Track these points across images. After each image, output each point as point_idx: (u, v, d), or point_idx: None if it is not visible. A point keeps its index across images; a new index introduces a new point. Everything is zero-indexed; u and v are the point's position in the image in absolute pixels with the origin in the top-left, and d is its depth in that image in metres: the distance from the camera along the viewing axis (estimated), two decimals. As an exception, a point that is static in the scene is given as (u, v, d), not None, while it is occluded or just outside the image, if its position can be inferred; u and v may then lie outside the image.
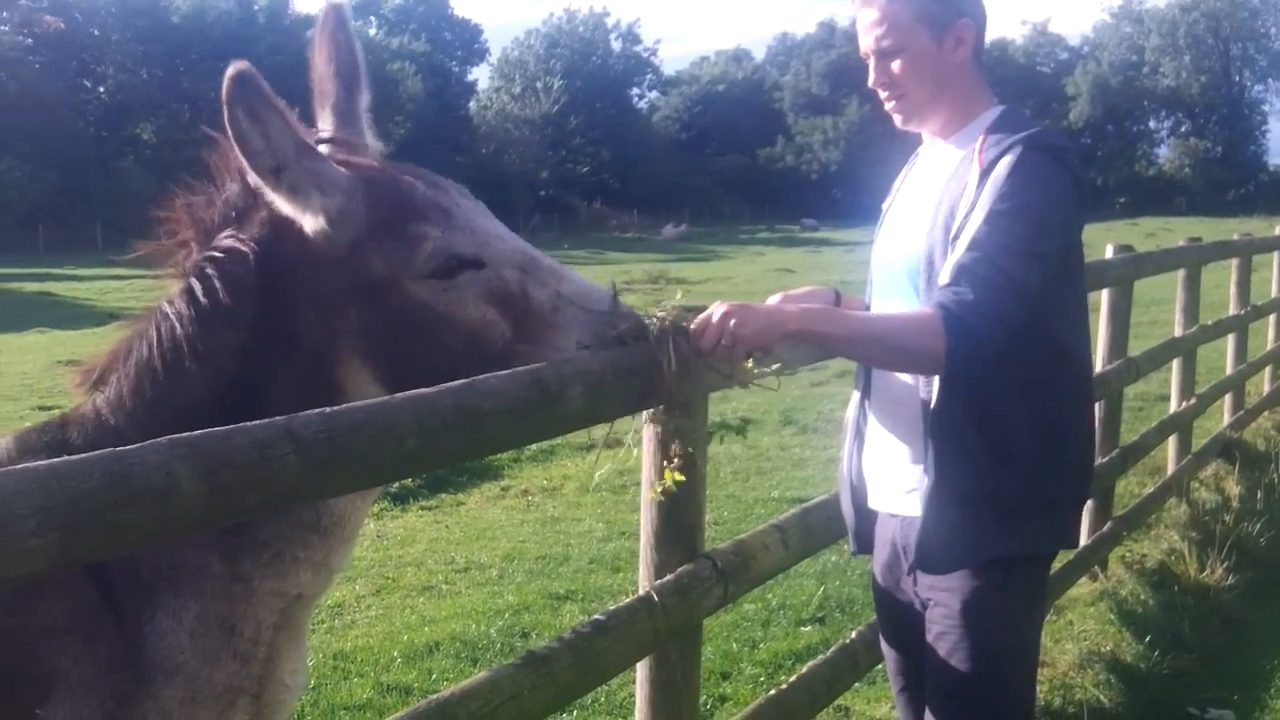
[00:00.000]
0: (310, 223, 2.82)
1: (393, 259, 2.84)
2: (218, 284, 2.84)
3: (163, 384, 2.85)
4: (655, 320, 3.10)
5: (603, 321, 2.95)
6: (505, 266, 2.90)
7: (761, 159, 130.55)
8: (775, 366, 3.32)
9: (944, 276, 3.37)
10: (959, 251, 3.36)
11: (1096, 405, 8.28)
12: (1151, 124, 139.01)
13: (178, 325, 2.86)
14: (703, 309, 3.22)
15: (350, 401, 2.82)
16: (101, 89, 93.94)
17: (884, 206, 4.02)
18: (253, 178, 2.78)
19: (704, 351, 3.15)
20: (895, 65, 3.62)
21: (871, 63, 3.66)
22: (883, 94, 3.71)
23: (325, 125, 3.16)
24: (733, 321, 3.14)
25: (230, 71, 2.64)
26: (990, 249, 3.30)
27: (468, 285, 2.86)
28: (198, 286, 2.85)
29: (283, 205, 2.80)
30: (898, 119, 3.75)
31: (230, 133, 2.69)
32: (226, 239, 2.89)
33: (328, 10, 3.24)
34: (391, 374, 2.85)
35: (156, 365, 2.86)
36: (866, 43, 3.65)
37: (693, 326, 3.15)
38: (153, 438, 2.05)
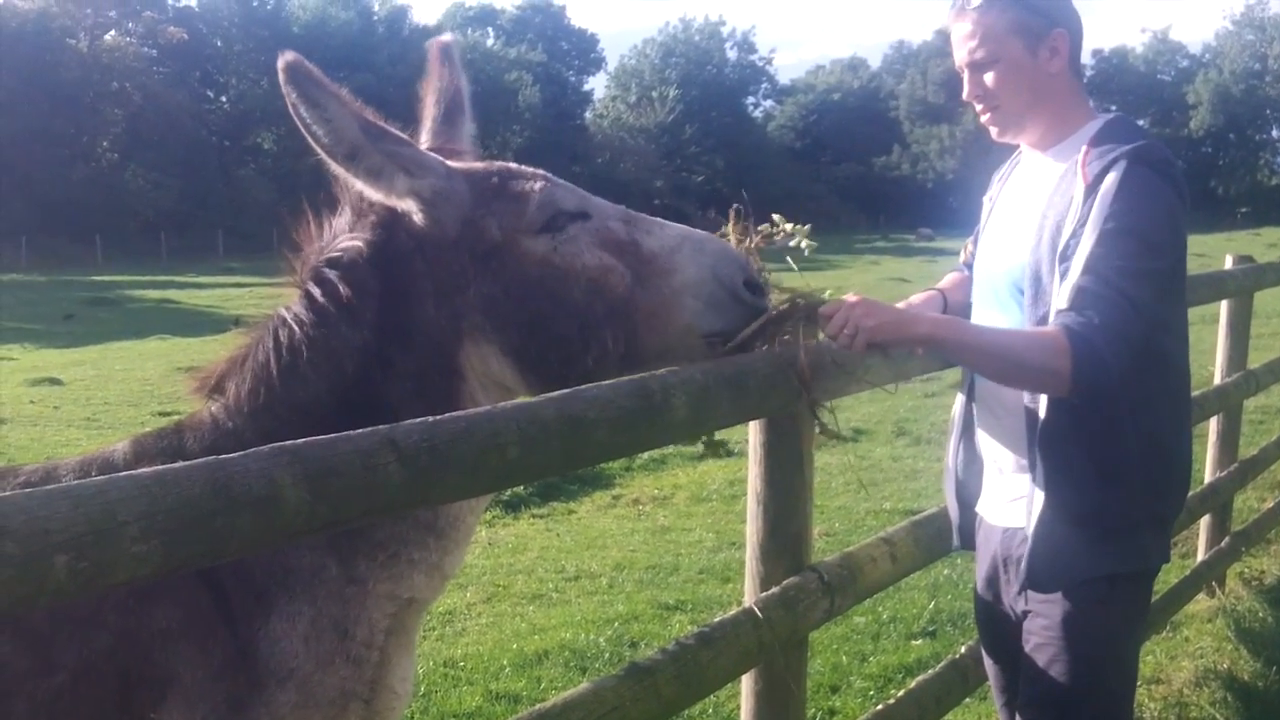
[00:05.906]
0: (404, 205, 2.90)
1: (504, 218, 2.95)
2: (338, 284, 2.91)
3: (282, 386, 2.90)
4: (786, 300, 3.16)
5: (726, 270, 3.00)
6: (610, 219, 3.01)
7: (877, 168, 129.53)
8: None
9: (1061, 300, 3.34)
10: (1074, 275, 3.32)
11: (1214, 418, 8.21)
12: (1274, 133, 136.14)
13: (296, 329, 2.91)
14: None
15: (472, 388, 2.91)
16: (224, 98, 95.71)
17: (984, 199, 4.05)
18: (331, 165, 2.85)
19: (828, 335, 3.20)
20: (989, 77, 3.60)
21: (966, 75, 3.66)
22: (978, 106, 3.70)
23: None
24: (859, 311, 3.18)
25: (280, 63, 2.75)
26: (1105, 270, 3.27)
27: (579, 235, 2.97)
28: (316, 290, 2.92)
29: (368, 190, 2.88)
30: (994, 131, 3.74)
31: (297, 123, 2.78)
32: (343, 240, 2.96)
33: (432, 46, 3.38)
34: (520, 342, 2.92)
35: (274, 369, 2.91)
36: (960, 55, 3.64)
37: (822, 310, 3.20)
38: (273, 439, 2.08)
